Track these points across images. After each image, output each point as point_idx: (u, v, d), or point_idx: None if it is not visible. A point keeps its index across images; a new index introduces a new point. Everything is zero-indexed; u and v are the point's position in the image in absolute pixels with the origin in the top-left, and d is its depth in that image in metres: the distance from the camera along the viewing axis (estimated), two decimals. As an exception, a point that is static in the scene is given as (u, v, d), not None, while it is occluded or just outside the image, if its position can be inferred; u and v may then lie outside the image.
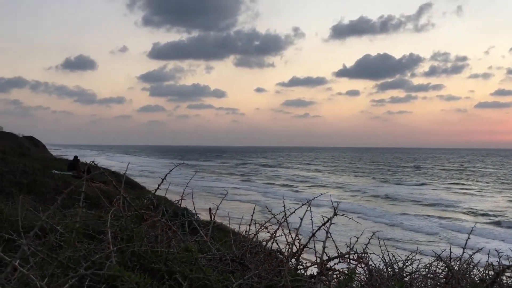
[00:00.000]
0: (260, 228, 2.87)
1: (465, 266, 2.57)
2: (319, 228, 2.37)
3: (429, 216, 29.46)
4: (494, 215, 29.63)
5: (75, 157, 22.76)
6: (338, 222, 2.64)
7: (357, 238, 2.80)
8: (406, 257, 2.99)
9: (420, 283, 2.73)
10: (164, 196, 3.08)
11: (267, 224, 2.90)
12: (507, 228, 25.66)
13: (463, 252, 2.49)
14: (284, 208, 2.89)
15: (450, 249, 2.84)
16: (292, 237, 2.69)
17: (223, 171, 73.61)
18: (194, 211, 3.51)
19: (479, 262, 2.53)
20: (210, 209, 3.29)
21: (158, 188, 2.79)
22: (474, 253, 2.54)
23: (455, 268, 2.48)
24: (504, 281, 2.37)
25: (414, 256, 2.98)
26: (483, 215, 29.86)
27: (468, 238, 2.41)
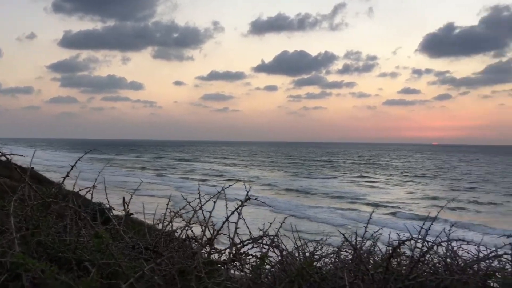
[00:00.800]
0: (175, 215, 2.85)
1: (369, 247, 2.76)
2: (233, 212, 2.41)
3: (337, 208, 30.83)
4: (398, 206, 31.69)
5: (-27, 150, 21.05)
6: (250, 213, 2.71)
7: (270, 223, 2.88)
8: (316, 243, 3.12)
9: (329, 265, 2.87)
10: (72, 190, 2.95)
11: (182, 211, 2.89)
12: (405, 219, 27.50)
13: (365, 231, 2.66)
14: (199, 195, 2.89)
15: (355, 233, 3.02)
16: (206, 223, 2.71)
17: (136, 166, 71.64)
18: (106, 202, 3.41)
19: (378, 238, 2.71)
20: (124, 198, 3.21)
21: (67, 175, 2.67)
22: (376, 232, 2.71)
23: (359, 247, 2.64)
24: (403, 261, 2.57)
25: (324, 242, 3.12)
26: (385, 206, 31.78)
27: (369, 219, 2.57)
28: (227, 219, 2.38)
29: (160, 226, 2.94)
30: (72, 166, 2.65)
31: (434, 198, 36.36)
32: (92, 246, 2.24)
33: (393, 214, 28.99)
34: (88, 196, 3.10)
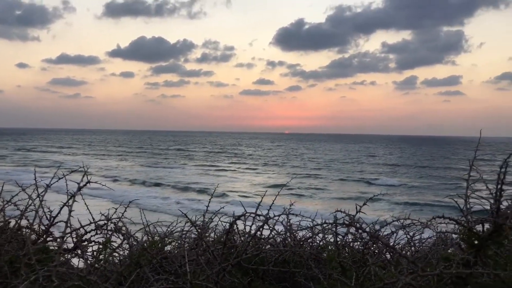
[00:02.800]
0: (6, 203, 2.62)
1: (212, 227, 2.87)
2: (70, 197, 2.30)
3: (184, 198, 30.53)
4: (245, 195, 32.60)
5: None
6: (95, 207, 2.62)
7: (116, 209, 2.81)
8: (166, 228, 3.13)
9: (177, 248, 2.92)
10: None
11: (16, 199, 2.67)
12: (248, 206, 27.87)
13: (206, 212, 2.75)
14: (36, 181, 2.70)
15: (204, 214, 3.11)
16: (44, 211, 2.55)
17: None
18: None
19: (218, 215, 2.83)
20: None
21: None
22: (217, 211, 2.83)
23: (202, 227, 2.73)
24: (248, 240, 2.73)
25: (174, 227, 3.14)
26: (230, 195, 32.30)
27: (209, 203, 2.67)
28: (64, 204, 2.27)
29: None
30: None
31: (280, 185, 38.23)
32: None
33: (236, 201, 29.33)
34: None
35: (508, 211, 1.66)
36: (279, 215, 2.63)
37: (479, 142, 2.17)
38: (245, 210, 2.36)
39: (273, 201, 2.89)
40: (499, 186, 1.63)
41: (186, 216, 2.49)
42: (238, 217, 2.29)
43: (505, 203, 1.66)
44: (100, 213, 2.51)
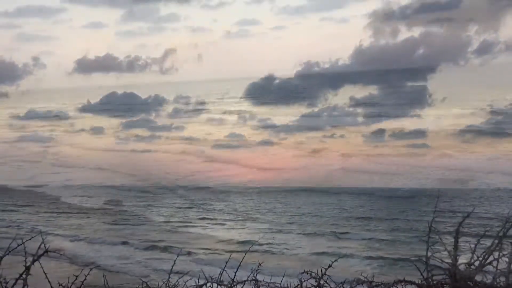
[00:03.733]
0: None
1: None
2: (26, 269, 2.21)
3: (148, 258, 28.93)
4: (220, 253, 31.62)
5: None
6: (51, 268, 2.53)
7: (76, 276, 2.72)
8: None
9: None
10: None
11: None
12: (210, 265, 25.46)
13: (168, 278, 2.69)
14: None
15: (168, 279, 3.04)
16: (0, 282, 2.44)
17: None
18: None
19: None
20: None
21: None
22: (179, 279, 2.77)
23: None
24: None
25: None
26: (198, 252, 31.11)
27: (172, 267, 2.62)
28: (20, 275, 2.18)
29: None
30: None
31: (250, 241, 36.41)
32: None
33: (203, 259, 28.01)
34: None
35: (465, 273, 1.69)
36: (244, 282, 2.59)
37: (437, 202, 2.23)
38: (207, 279, 2.32)
39: (240, 263, 2.86)
40: (454, 252, 1.67)
41: (148, 285, 2.42)
42: (200, 287, 2.24)
43: (462, 267, 1.69)
44: (59, 283, 2.42)
